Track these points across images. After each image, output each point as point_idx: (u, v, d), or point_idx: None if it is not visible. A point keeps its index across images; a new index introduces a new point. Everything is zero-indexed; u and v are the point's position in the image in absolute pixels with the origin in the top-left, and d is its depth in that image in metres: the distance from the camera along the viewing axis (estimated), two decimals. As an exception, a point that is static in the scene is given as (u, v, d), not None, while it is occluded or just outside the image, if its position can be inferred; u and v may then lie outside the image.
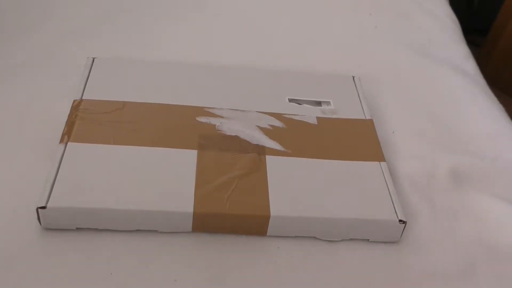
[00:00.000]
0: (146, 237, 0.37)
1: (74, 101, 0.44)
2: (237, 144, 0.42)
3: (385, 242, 0.39)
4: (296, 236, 0.38)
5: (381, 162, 0.43)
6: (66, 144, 0.39)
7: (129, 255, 0.36)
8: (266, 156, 0.41)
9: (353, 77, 0.52)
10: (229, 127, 0.43)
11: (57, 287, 0.34)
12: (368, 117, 0.47)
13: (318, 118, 0.46)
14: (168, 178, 0.38)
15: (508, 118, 0.54)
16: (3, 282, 0.33)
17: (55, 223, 0.36)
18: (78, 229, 0.37)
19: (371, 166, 0.42)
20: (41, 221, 0.36)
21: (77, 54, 0.52)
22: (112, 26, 0.58)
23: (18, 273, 0.34)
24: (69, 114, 0.42)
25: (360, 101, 0.49)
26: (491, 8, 1.38)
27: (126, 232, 0.37)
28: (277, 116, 0.46)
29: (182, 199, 0.37)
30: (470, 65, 0.61)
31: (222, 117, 0.44)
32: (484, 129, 0.52)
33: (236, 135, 0.43)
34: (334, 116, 0.47)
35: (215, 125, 0.43)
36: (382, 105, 0.52)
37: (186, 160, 0.40)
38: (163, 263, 0.36)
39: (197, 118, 0.44)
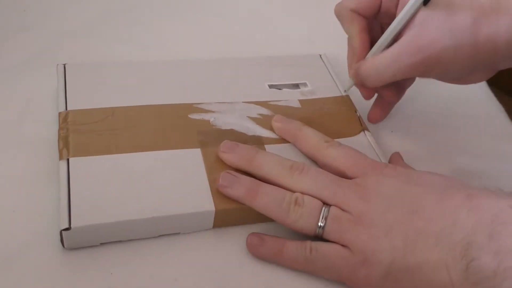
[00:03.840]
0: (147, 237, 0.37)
1: (60, 113, 0.42)
2: (235, 137, 0.42)
3: None
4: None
5: (365, 132, 0.45)
6: (68, 160, 0.38)
7: (129, 255, 0.36)
8: (265, 145, 0.42)
9: (320, 55, 0.54)
10: (223, 121, 0.44)
11: (55, 283, 0.34)
12: (344, 94, 0.49)
13: (300, 100, 0.48)
14: (180, 180, 0.38)
15: (508, 118, 0.54)
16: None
17: (79, 242, 0.35)
18: None
19: (359, 139, 0.45)
20: (65, 243, 0.35)
21: (77, 54, 0.52)
22: (112, 26, 0.58)
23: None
24: (59, 128, 0.41)
25: (333, 78, 0.51)
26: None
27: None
28: (263, 104, 0.47)
29: (201, 199, 0.37)
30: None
31: (212, 111, 0.45)
32: (483, 129, 0.52)
33: (231, 129, 0.43)
34: (314, 97, 0.49)
35: (209, 120, 0.44)
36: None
37: (192, 160, 0.40)
38: (163, 262, 0.36)
39: (189, 116, 0.44)
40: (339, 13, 0.45)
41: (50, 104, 0.46)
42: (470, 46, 0.38)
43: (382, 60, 0.41)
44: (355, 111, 0.48)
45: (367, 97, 0.47)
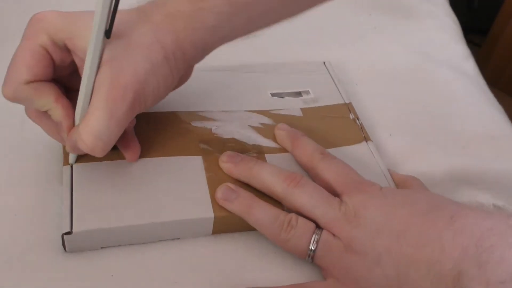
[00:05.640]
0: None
1: None
2: (236, 146, 0.43)
3: None
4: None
5: (367, 141, 0.45)
6: (72, 166, 0.39)
7: (129, 257, 0.36)
8: (266, 154, 0.43)
9: (324, 62, 0.54)
10: (225, 130, 0.44)
11: (56, 286, 0.34)
12: (347, 101, 0.49)
13: (302, 109, 0.48)
14: (181, 186, 0.39)
15: (507, 119, 0.54)
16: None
17: (80, 246, 0.36)
18: None
19: (360, 148, 0.45)
20: (66, 247, 0.36)
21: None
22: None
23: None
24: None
25: (336, 86, 0.51)
26: (491, 8, 1.38)
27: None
28: (265, 113, 0.47)
29: (201, 206, 0.38)
30: (470, 65, 0.62)
31: (214, 120, 0.45)
32: (483, 129, 0.52)
33: (232, 137, 0.44)
34: (316, 105, 0.49)
35: (210, 128, 0.44)
36: (380, 106, 0.52)
37: (193, 167, 0.41)
38: (163, 265, 0.36)
39: (192, 123, 0.44)
40: (16, 95, 0.35)
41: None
42: (163, 58, 0.36)
43: (96, 122, 0.33)
44: (357, 119, 0.48)
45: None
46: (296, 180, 0.38)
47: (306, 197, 0.37)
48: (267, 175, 0.39)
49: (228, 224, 0.38)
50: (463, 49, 0.64)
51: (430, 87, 0.56)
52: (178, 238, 0.38)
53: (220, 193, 0.38)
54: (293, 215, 0.37)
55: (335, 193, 0.38)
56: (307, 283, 0.36)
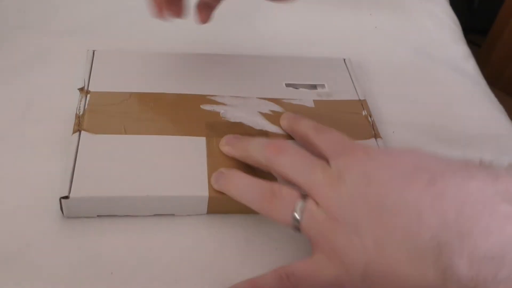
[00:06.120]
0: (148, 238, 0.38)
1: (81, 92, 0.45)
2: (242, 130, 0.44)
3: None
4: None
5: (377, 138, 0.45)
6: (80, 135, 0.41)
7: (130, 256, 0.37)
8: None
9: (344, 59, 0.54)
10: (233, 114, 0.45)
11: (56, 283, 0.34)
12: (361, 98, 0.49)
13: (314, 101, 0.48)
14: (180, 164, 0.40)
15: (508, 119, 0.54)
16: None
17: (77, 212, 0.38)
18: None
19: (369, 144, 0.45)
20: (64, 211, 0.37)
21: (78, 54, 0.52)
22: (113, 25, 0.58)
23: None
24: (77, 107, 0.43)
25: (353, 83, 0.51)
26: (491, 8, 1.39)
27: (128, 233, 0.38)
28: (276, 101, 0.47)
29: (197, 184, 0.39)
30: (470, 65, 0.62)
31: (224, 104, 0.46)
32: (483, 129, 0.52)
33: (240, 122, 0.44)
34: (329, 99, 0.49)
35: (219, 112, 0.45)
36: (380, 106, 0.52)
37: (196, 147, 0.42)
38: (165, 264, 0.36)
39: (201, 106, 0.45)
40: None
41: (51, 104, 0.46)
42: None
43: None
44: (370, 116, 0.47)
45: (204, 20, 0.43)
46: (278, 148, 0.36)
47: (289, 163, 0.35)
48: (253, 148, 0.38)
49: (222, 205, 0.39)
50: (463, 49, 0.64)
51: (430, 87, 0.56)
52: (173, 214, 0.39)
53: (213, 178, 0.39)
54: (275, 184, 0.35)
55: (325, 159, 0.35)
56: (291, 265, 0.33)
